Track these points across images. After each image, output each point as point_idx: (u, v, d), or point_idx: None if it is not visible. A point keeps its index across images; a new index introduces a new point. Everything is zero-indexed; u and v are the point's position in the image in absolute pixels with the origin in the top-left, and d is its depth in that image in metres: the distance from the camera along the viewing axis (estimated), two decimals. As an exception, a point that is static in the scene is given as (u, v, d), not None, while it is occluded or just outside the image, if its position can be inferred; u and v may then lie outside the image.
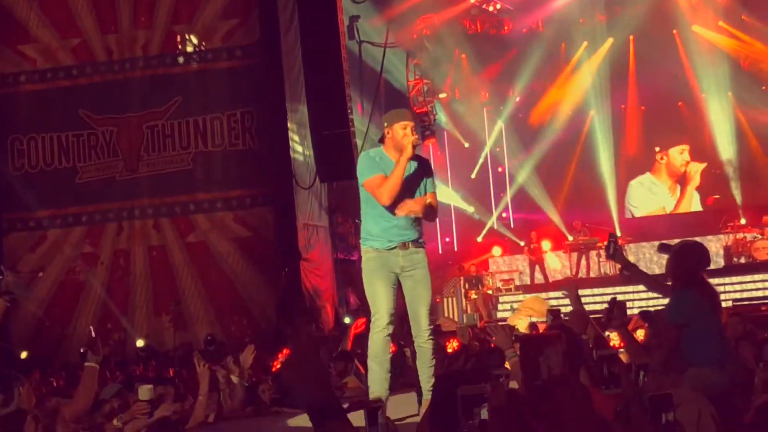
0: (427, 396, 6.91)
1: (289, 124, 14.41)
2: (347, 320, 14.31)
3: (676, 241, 6.24)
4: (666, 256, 5.99)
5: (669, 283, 6.05)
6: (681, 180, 19.69)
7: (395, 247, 7.02)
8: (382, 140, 7.12)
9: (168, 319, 14.07)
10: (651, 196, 19.88)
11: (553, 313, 6.67)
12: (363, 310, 14.87)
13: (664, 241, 6.36)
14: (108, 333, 14.16)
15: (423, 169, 7.14)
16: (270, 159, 14.20)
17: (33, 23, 14.71)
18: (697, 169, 19.25)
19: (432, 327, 7.18)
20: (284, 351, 9.56)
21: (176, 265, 14.37)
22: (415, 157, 7.01)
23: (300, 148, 14.81)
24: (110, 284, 14.38)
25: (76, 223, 14.60)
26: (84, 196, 14.51)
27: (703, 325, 5.65)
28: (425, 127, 18.49)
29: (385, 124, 7.08)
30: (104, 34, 14.73)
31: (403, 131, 6.91)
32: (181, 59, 14.72)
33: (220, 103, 14.53)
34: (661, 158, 19.49)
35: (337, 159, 14.11)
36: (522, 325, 7.29)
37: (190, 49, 14.77)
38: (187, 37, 14.72)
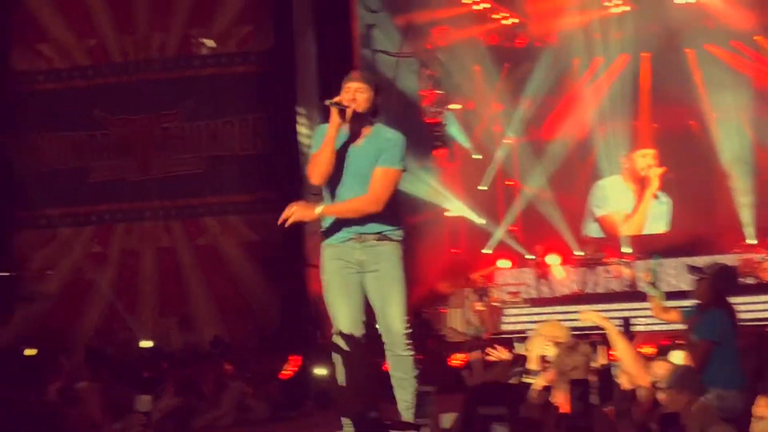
0: (407, 416, 5.95)
1: (300, 130, 14.46)
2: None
3: (702, 260, 6.30)
4: (694, 276, 6.05)
5: (699, 303, 6.11)
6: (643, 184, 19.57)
7: (350, 239, 6.06)
8: None
9: (175, 321, 14.13)
10: (613, 197, 19.78)
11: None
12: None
13: (692, 264, 6.45)
14: (114, 333, 14.23)
15: (375, 141, 6.09)
16: (280, 164, 14.26)
17: (51, 23, 14.80)
18: (656, 173, 19.09)
19: (409, 332, 6.03)
20: (292, 357, 9.59)
21: (185, 267, 14.43)
22: (367, 126, 6.02)
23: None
24: (118, 284, 14.45)
25: (87, 222, 14.67)
26: (95, 196, 14.59)
27: (731, 347, 5.70)
28: (437, 138, 18.51)
29: None
30: (121, 35, 14.83)
31: (343, 95, 6.01)
32: (196, 62, 14.80)
33: (233, 107, 14.60)
34: (625, 162, 19.39)
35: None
36: (550, 352, 6.32)
37: (205, 52, 14.84)
38: (202, 40, 14.79)
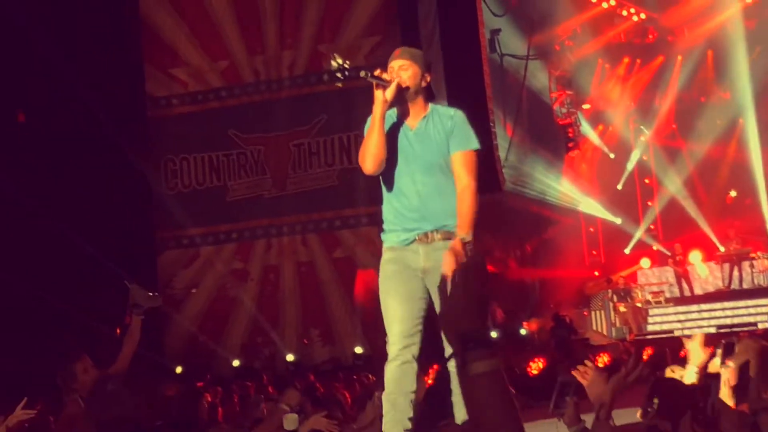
0: None
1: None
2: (493, 335, 14.26)
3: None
4: None
5: None
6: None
7: (413, 242, 5.38)
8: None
9: (317, 334, 14.26)
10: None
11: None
12: (510, 324, 14.83)
13: None
14: (258, 348, 14.45)
15: (437, 122, 5.52)
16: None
17: (183, 47, 15.14)
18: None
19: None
20: (434, 366, 9.53)
21: (324, 280, 14.55)
22: (421, 107, 5.44)
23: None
24: (260, 300, 14.67)
25: (227, 240, 14.94)
26: (234, 214, 14.84)
27: None
28: (569, 139, 18.30)
29: None
30: (251, 55, 15.08)
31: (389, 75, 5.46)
32: (325, 77, 14.94)
33: (364, 119, 14.61)
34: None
35: (480, 172, 14.07)
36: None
37: (334, 67, 14.96)
38: (331, 55, 14.92)
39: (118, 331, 10.76)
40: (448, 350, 5.12)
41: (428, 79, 5.59)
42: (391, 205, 5.58)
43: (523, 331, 14.69)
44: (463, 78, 14.30)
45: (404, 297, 5.41)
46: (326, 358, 14.07)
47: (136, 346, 6.76)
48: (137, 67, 14.98)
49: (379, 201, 15.37)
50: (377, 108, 5.44)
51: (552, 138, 18.44)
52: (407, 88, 5.47)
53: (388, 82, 5.42)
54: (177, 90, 15.24)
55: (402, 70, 5.52)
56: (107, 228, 13.12)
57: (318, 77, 14.99)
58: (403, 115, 5.57)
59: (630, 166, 19.78)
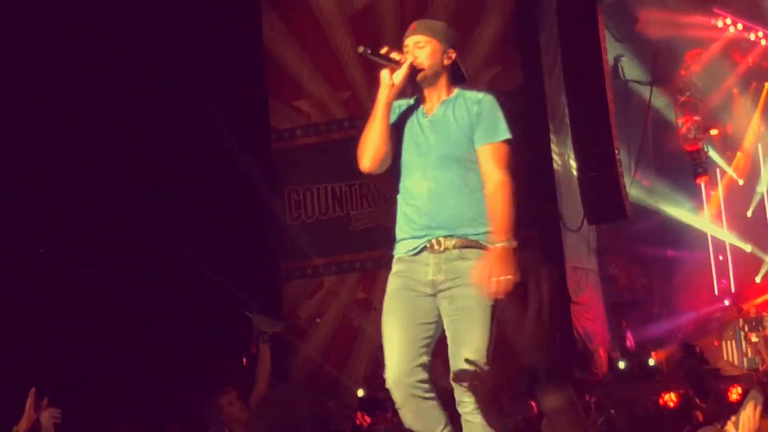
0: None
1: (554, 167, 14.31)
2: (621, 365, 14.01)
3: None
4: None
5: None
6: None
7: (422, 251, 4.52)
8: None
9: (440, 362, 14.19)
10: None
11: None
12: (642, 353, 14.54)
13: None
14: (382, 378, 14.42)
15: (459, 107, 4.66)
16: (536, 203, 14.14)
17: (306, 79, 15.34)
18: None
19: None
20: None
21: (447, 309, 14.46)
22: (443, 91, 4.66)
23: (566, 190, 14.67)
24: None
25: (350, 269, 15.00)
26: (357, 244, 14.91)
27: None
28: (697, 165, 17.92)
29: None
30: (372, 86, 15.11)
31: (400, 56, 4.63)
32: (446, 106, 14.92)
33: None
34: None
35: (605, 200, 13.88)
36: None
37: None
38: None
39: (244, 360, 10.92)
40: (459, 392, 4.58)
41: (452, 56, 4.78)
42: (401, 209, 4.72)
43: (651, 362, 14.39)
44: (586, 105, 14.14)
45: (406, 319, 4.56)
46: (448, 388, 13.98)
47: (270, 374, 6.83)
48: (262, 100, 15.23)
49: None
50: (381, 93, 4.66)
51: (679, 164, 18.10)
52: (422, 69, 4.67)
53: (398, 63, 4.64)
54: (300, 121, 15.42)
55: (418, 48, 4.71)
56: (232, 259, 13.32)
57: (439, 107, 14.96)
58: (421, 102, 4.79)
59: (761, 190, 19.25)
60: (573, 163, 14.57)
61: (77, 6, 12.49)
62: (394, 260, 4.77)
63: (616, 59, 16.89)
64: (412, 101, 4.83)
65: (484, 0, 14.66)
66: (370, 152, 4.64)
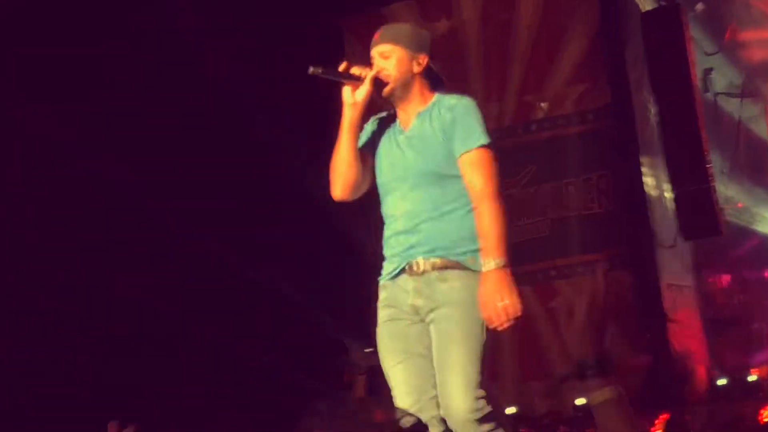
0: None
1: (646, 182, 14.16)
2: (721, 382, 13.75)
3: None
4: None
5: None
6: None
7: (400, 273, 4.25)
8: None
9: (539, 386, 14.06)
10: None
11: None
12: (742, 370, 14.23)
13: None
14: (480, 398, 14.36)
15: (432, 117, 4.34)
16: (628, 220, 14.01)
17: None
18: None
19: (484, 413, 4.05)
20: (661, 416, 9.28)
21: (541, 331, 14.36)
22: (420, 103, 4.36)
23: (659, 206, 14.50)
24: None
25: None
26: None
27: None
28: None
29: None
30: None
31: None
32: (533, 127, 14.88)
33: (574, 167, 14.49)
34: None
35: (700, 215, 13.71)
36: None
37: (540, 116, 14.91)
38: (537, 105, 14.87)
39: (335, 386, 10.95)
40: (451, 411, 4.09)
41: (423, 61, 4.45)
42: (384, 234, 4.44)
43: (751, 378, 14.09)
44: (676, 120, 14.01)
45: (403, 352, 4.21)
46: (546, 411, 13.86)
47: (364, 402, 6.84)
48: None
49: (595, 248, 14.82)
50: (345, 114, 4.29)
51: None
52: (388, 82, 4.34)
53: (358, 78, 4.27)
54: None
55: (383, 58, 4.35)
56: (326, 287, 13.38)
57: (525, 128, 14.94)
58: (397, 116, 4.48)
59: None
60: (665, 178, 14.41)
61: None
62: (379, 288, 4.43)
63: (706, 72, 16.66)
64: (387, 117, 4.53)
65: (568, 18, 14.58)
66: (338, 180, 4.33)
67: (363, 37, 14.95)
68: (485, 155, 4.35)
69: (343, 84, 4.28)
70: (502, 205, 4.30)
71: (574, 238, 14.43)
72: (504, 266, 4.24)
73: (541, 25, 14.66)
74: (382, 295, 4.34)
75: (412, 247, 4.22)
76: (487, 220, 4.23)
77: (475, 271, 4.22)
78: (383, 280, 4.36)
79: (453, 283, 4.15)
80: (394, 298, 4.24)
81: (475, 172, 4.25)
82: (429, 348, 4.22)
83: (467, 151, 4.30)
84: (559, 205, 14.56)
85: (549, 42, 14.51)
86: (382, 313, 4.31)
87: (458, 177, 4.33)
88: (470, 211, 4.31)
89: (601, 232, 14.25)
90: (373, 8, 15.19)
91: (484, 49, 15.00)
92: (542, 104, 14.79)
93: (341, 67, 4.26)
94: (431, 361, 4.20)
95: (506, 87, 14.94)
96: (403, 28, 4.55)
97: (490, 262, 4.24)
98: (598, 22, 14.46)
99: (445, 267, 4.18)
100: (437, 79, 4.52)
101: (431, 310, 4.16)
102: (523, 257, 15.54)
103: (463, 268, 4.22)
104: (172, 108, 12.53)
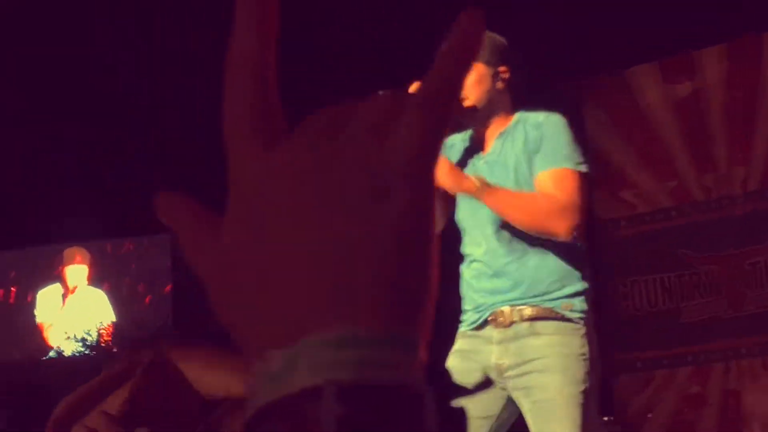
0: None
1: None
2: None
3: None
4: None
5: None
6: None
7: (485, 324, 3.73)
8: None
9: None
10: None
11: None
12: None
13: None
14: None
15: (516, 136, 3.66)
16: None
17: (631, 169, 15.20)
18: None
19: None
20: None
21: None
22: (500, 124, 3.76)
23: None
24: (720, 427, 14.08)
25: (682, 363, 14.55)
26: (689, 336, 14.46)
27: None
28: None
29: None
30: (701, 173, 14.80)
31: None
32: (781, 192, 14.37)
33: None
34: None
35: None
36: None
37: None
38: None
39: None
40: None
41: (506, 75, 3.91)
42: (463, 277, 3.91)
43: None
44: None
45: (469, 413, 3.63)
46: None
47: None
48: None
49: None
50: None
51: None
52: (472, 107, 3.71)
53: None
54: (624, 212, 15.27)
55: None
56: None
57: (771, 193, 14.44)
58: (478, 138, 3.93)
59: None
60: None
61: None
62: (457, 336, 3.90)
63: None
64: (466, 138, 4.01)
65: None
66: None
67: (603, 100, 14.93)
68: (572, 176, 3.71)
69: None
70: (573, 223, 3.56)
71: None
72: (478, 189, 3.52)
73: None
74: (459, 344, 3.84)
75: (498, 291, 3.73)
76: (531, 197, 3.49)
77: (571, 320, 3.69)
78: (464, 328, 3.89)
79: (549, 338, 3.61)
80: (475, 350, 3.75)
81: (557, 187, 3.63)
82: (493, 413, 3.72)
83: (549, 170, 3.69)
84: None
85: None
86: (456, 365, 3.79)
87: None
88: (562, 247, 3.61)
89: None
90: (615, 70, 15.13)
91: (728, 113, 14.61)
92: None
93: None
94: (484, 427, 3.67)
95: (751, 151, 14.50)
96: (491, 42, 3.87)
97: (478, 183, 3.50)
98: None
99: (536, 317, 3.71)
100: (519, 97, 3.92)
101: (521, 374, 3.62)
102: (769, 327, 15.06)
103: (559, 317, 3.71)
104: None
